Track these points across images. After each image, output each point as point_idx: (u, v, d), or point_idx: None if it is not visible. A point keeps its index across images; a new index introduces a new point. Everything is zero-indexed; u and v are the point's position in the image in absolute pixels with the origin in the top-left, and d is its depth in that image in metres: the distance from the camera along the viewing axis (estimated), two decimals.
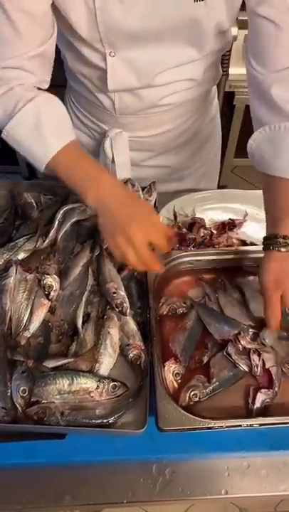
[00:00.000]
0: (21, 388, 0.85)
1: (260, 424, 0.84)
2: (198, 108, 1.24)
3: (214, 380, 0.90)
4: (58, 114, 0.96)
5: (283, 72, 0.92)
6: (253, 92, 0.98)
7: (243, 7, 0.95)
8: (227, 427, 0.83)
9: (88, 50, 1.00)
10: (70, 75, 1.20)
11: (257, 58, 0.94)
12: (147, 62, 1.00)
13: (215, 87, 1.31)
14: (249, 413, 0.88)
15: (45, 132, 0.92)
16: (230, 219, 1.18)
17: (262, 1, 0.87)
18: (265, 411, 0.88)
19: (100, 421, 0.84)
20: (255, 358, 0.92)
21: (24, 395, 0.85)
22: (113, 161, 1.25)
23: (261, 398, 0.89)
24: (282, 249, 0.88)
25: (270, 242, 0.90)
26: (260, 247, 0.96)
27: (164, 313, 1.00)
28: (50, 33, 0.94)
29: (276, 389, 0.89)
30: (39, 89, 0.98)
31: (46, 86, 1.00)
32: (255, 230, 1.17)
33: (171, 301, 1.02)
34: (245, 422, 0.84)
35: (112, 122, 1.20)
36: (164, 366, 0.91)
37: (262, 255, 1.05)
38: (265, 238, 0.92)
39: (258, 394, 0.89)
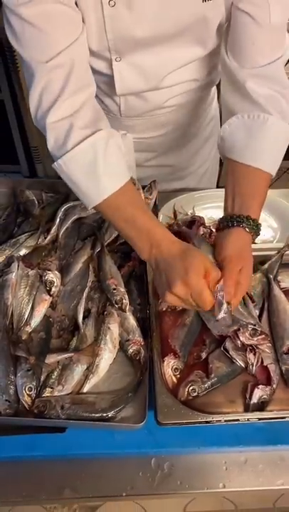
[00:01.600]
0: (27, 386, 0.86)
1: (258, 419, 0.85)
2: (200, 108, 1.26)
3: (212, 375, 0.91)
4: (115, 152, 0.90)
5: (257, 69, 0.94)
6: (227, 81, 1.00)
7: None
8: (225, 421, 0.84)
9: (95, 60, 1.00)
10: None
11: (234, 53, 0.96)
12: (154, 64, 1.01)
13: (214, 88, 1.33)
14: (246, 409, 0.89)
15: (101, 173, 0.87)
16: None
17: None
18: (261, 407, 0.89)
19: (100, 415, 0.85)
20: (251, 356, 0.92)
21: (30, 392, 0.86)
22: None
23: (258, 394, 0.89)
24: (247, 229, 0.91)
25: (240, 220, 0.92)
26: (258, 245, 0.97)
27: (164, 309, 1.01)
28: (81, 19, 0.90)
29: (274, 386, 0.90)
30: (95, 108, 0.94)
31: (93, 89, 0.94)
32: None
33: None
34: (243, 417, 0.85)
35: (116, 125, 1.21)
36: (164, 361, 0.92)
37: (261, 253, 1.07)
38: (232, 216, 0.93)
39: (256, 390, 0.90)
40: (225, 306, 0.84)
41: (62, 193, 1.19)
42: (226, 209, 0.97)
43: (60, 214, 1.12)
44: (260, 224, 0.93)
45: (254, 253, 1.05)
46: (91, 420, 0.85)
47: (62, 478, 0.88)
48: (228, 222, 0.93)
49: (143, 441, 0.90)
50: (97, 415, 0.85)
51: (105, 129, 0.90)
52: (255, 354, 0.93)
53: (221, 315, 0.84)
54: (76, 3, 0.88)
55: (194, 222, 1.17)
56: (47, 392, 0.88)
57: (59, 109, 0.87)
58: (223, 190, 1.31)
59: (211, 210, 1.23)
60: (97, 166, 0.87)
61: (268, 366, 0.92)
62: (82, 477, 0.88)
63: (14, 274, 0.97)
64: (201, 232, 1.15)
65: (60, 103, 0.86)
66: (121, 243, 1.12)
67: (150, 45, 0.97)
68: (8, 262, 1.00)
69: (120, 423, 0.87)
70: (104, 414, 0.86)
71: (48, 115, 0.87)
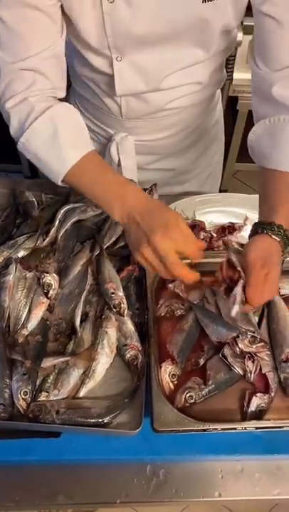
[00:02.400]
0: (23, 390, 0.85)
1: (256, 428, 0.84)
2: (203, 112, 1.25)
3: (210, 382, 0.90)
4: (75, 125, 0.95)
5: (285, 70, 0.92)
6: (255, 89, 0.99)
7: (248, 12, 0.96)
8: (222, 429, 0.83)
9: (95, 57, 1.00)
10: (75, 79, 1.20)
11: (260, 57, 0.94)
12: (155, 65, 1.01)
13: (219, 91, 1.32)
14: (244, 416, 0.88)
15: (62, 143, 0.90)
16: (230, 222, 1.19)
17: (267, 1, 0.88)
18: (259, 415, 0.88)
19: (95, 420, 0.84)
20: (249, 364, 0.91)
21: (26, 397, 0.85)
22: (119, 164, 1.26)
23: (256, 402, 0.88)
24: (273, 236, 0.89)
25: (264, 226, 0.90)
26: None
27: (162, 314, 1.00)
28: (61, 30, 0.93)
29: (272, 394, 0.89)
30: (56, 98, 0.97)
31: (63, 94, 0.98)
32: None
33: (169, 303, 1.01)
34: (239, 425, 0.85)
35: (117, 126, 1.20)
36: (161, 367, 0.91)
37: None
38: (258, 223, 0.92)
39: (254, 398, 0.89)
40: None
41: (62, 194, 1.18)
42: (259, 217, 0.95)
43: (59, 216, 1.11)
44: (287, 230, 0.90)
45: None
46: (86, 426, 0.84)
47: (56, 483, 0.87)
48: (255, 228, 0.92)
49: (139, 447, 0.89)
50: (93, 421, 0.84)
51: (63, 103, 0.94)
52: (253, 362, 0.92)
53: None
54: (62, 6, 0.89)
55: (195, 226, 1.16)
56: (42, 397, 0.87)
57: (18, 96, 0.92)
58: (224, 194, 1.32)
59: (211, 214, 1.22)
60: (58, 138, 0.90)
61: (267, 374, 0.91)
62: (77, 483, 0.88)
63: (12, 276, 0.96)
64: (202, 237, 1.14)
65: (22, 93, 0.92)
66: (120, 247, 1.11)
67: (150, 43, 0.96)
68: (6, 264, 0.99)
69: (116, 429, 0.86)
70: (100, 420, 0.85)
71: (8, 102, 0.92)
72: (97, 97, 1.14)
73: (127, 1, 0.88)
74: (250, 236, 0.93)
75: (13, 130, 0.94)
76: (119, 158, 1.24)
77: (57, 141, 0.90)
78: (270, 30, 0.90)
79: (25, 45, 0.89)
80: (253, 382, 0.91)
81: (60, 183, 0.93)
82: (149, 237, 0.82)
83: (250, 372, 0.91)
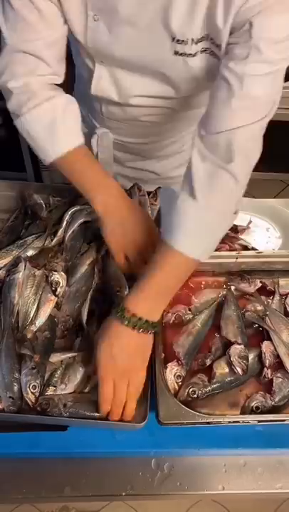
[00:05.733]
0: (31, 384, 0.87)
1: (258, 421, 0.86)
2: (187, 125, 1.23)
3: (214, 380, 0.92)
4: (73, 118, 0.99)
5: (210, 136, 0.85)
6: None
7: None
8: (225, 422, 0.85)
9: (84, 54, 1.03)
10: (76, 69, 1.22)
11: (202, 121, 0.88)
12: (129, 84, 1.03)
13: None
14: (243, 411, 0.90)
15: (59, 132, 0.95)
16: (233, 224, 1.21)
17: (226, 65, 0.81)
18: (256, 413, 0.89)
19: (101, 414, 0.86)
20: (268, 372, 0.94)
21: (34, 391, 0.87)
22: (97, 157, 1.29)
23: (257, 399, 0.90)
24: (126, 323, 0.83)
25: (117, 309, 0.85)
26: (263, 252, 0.98)
27: (171, 321, 1.01)
28: (64, 20, 0.93)
29: (275, 399, 0.91)
30: (55, 85, 1.00)
31: (60, 80, 1.01)
32: (262, 239, 1.22)
33: (175, 310, 1.03)
34: (243, 419, 0.87)
35: (101, 122, 1.23)
36: (166, 367, 0.93)
37: (264, 259, 1.09)
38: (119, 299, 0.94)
39: (254, 394, 0.91)
40: None
41: (69, 197, 1.22)
42: None
43: (66, 217, 1.14)
44: (135, 315, 0.83)
45: (257, 260, 1.09)
46: (93, 419, 0.86)
47: (63, 476, 0.89)
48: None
49: (144, 441, 0.91)
50: (99, 414, 0.86)
51: (66, 95, 0.99)
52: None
53: None
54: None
55: None
56: (50, 391, 0.89)
57: (21, 80, 0.94)
58: (248, 199, 1.33)
59: None
60: (56, 126, 0.95)
61: (273, 378, 0.93)
62: (83, 475, 0.89)
63: (21, 273, 0.99)
64: None
65: (24, 77, 0.94)
66: None
67: (125, 65, 0.99)
68: (16, 262, 1.02)
69: (121, 423, 0.87)
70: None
71: (10, 82, 0.94)
72: (86, 90, 1.14)
73: (109, 27, 0.91)
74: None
75: (11, 106, 0.97)
76: (97, 152, 1.28)
77: (54, 129, 0.95)
78: (221, 91, 0.82)
79: (32, 29, 0.91)
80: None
81: (47, 164, 0.98)
82: (136, 241, 0.91)
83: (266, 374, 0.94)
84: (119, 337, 0.84)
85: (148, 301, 0.85)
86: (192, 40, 0.86)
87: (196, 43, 0.87)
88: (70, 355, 0.93)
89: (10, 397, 0.86)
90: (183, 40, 0.87)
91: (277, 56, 0.78)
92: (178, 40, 0.87)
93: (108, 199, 0.97)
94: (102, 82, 1.05)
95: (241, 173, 0.85)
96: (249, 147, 0.85)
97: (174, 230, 0.85)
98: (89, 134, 1.29)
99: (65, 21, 0.93)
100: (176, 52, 0.90)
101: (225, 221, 0.92)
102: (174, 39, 0.88)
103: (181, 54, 0.89)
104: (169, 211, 0.90)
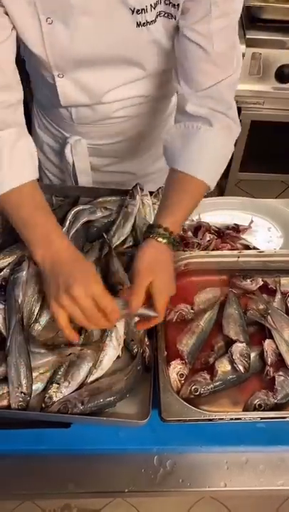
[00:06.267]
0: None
1: (260, 418, 0.87)
2: (156, 119, 1.26)
3: (217, 378, 0.93)
4: (23, 152, 0.95)
5: (201, 92, 0.97)
6: (177, 106, 1.04)
7: (250, 27, 1.00)
8: (227, 419, 0.86)
9: (40, 70, 1.03)
10: (33, 85, 1.25)
11: (183, 78, 0.98)
12: (95, 82, 1.04)
13: (175, 98, 1.26)
14: (245, 408, 0.91)
15: (4, 167, 0.91)
16: (235, 224, 1.22)
17: (191, 28, 0.92)
18: (258, 410, 0.90)
19: (120, 395, 0.89)
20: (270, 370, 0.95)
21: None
22: (74, 165, 1.30)
23: (258, 396, 0.91)
24: (159, 239, 0.91)
25: (151, 230, 0.93)
26: (265, 252, 0.99)
27: (173, 320, 1.02)
28: (9, 26, 0.91)
29: (278, 397, 0.91)
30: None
31: (19, 95, 0.97)
32: (263, 239, 1.23)
33: (178, 308, 1.04)
34: (245, 416, 0.87)
35: (71, 130, 1.23)
36: (170, 365, 0.93)
37: (266, 259, 1.10)
38: (148, 226, 0.96)
39: (257, 392, 0.92)
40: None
41: (72, 197, 1.23)
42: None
43: (69, 217, 1.15)
44: (172, 232, 0.92)
45: (259, 259, 1.10)
46: (114, 403, 0.88)
47: (66, 472, 0.90)
48: (144, 233, 0.95)
49: (146, 438, 0.92)
50: (118, 396, 0.88)
51: (18, 129, 0.95)
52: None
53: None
54: (8, 16, 0.89)
55: (200, 227, 1.20)
56: (53, 388, 0.90)
57: None
58: (229, 197, 1.35)
59: (216, 216, 1.26)
60: (1, 162, 0.90)
61: (276, 376, 0.94)
62: (86, 472, 0.90)
63: (25, 272, 1.00)
64: (207, 239, 1.18)
65: None
66: (128, 246, 1.15)
67: (89, 63, 0.99)
68: (19, 261, 1.03)
69: (124, 420, 0.88)
70: (122, 394, 0.89)
71: None
72: (50, 103, 1.17)
73: (65, 23, 0.91)
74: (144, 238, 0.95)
75: None
76: (73, 160, 1.28)
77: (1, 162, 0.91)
78: (193, 54, 0.94)
79: None
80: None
81: None
82: (69, 288, 0.83)
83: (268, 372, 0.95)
84: (163, 253, 0.92)
85: (178, 223, 0.95)
86: (150, 5, 0.90)
87: (154, 8, 0.90)
88: (71, 349, 0.93)
89: (22, 392, 0.87)
90: (142, 9, 0.90)
91: (232, 6, 0.90)
92: (138, 11, 0.90)
93: (48, 254, 0.89)
94: (69, 92, 1.06)
95: (236, 117, 1.00)
96: (232, 97, 1.00)
97: (196, 162, 0.96)
98: (60, 146, 1.30)
99: (12, 28, 0.92)
100: (138, 24, 0.92)
101: (228, 155, 1.02)
102: (133, 11, 0.90)
103: (143, 24, 0.92)
104: (185, 145, 0.98)
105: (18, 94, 0.97)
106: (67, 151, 1.26)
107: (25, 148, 0.96)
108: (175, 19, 0.92)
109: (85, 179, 1.33)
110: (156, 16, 0.92)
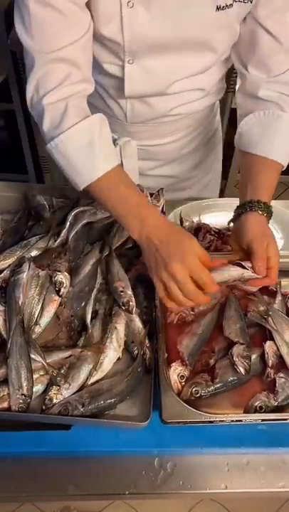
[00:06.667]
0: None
1: (261, 420, 0.87)
2: (204, 120, 1.30)
3: (217, 380, 0.92)
4: (108, 137, 0.97)
5: (273, 78, 1.04)
6: (242, 89, 1.10)
7: None
8: (228, 421, 0.86)
9: (107, 59, 1.04)
10: None
11: (253, 64, 1.05)
12: (164, 70, 1.05)
13: (218, 102, 1.36)
14: (246, 410, 0.90)
15: (97, 152, 0.92)
16: None
17: (268, 16, 0.97)
18: (260, 412, 0.89)
19: (120, 397, 0.89)
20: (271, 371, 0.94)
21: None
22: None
23: (259, 398, 0.91)
24: (260, 212, 0.98)
25: (253, 205, 0.98)
26: None
27: (174, 322, 1.02)
28: (89, 20, 0.94)
29: (279, 399, 0.91)
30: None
31: (91, 89, 1.00)
32: None
33: (179, 310, 1.03)
34: (245, 417, 0.87)
35: (121, 130, 1.24)
36: (170, 367, 0.93)
37: None
38: (244, 203, 1.00)
39: (258, 394, 0.92)
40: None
41: (72, 198, 1.23)
42: (240, 199, 1.03)
43: (70, 218, 1.15)
44: (271, 206, 1.00)
45: None
46: (114, 405, 0.89)
47: (66, 475, 0.90)
48: (242, 209, 0.99)
49: (147, 440, 0.91)
50: (118, 398, 0.89)
51: (99, 114, 0.96)
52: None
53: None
54: (88, 4, 0.91)
55: (200, 229, 1.20)
56: (54, 390, 0.90)
57: (56, 93, 0.92)
58: (229, 199, 1.35)
59: (216, 217, 1.26)
60: (94, 146, 0.92)
61: (276, 378, 0.94)
62: (86, 474, 0.90)
63: (25, 274, 1.00)
64: (207, 240, 1.18)
65: (58, 89, 0.92)
66: (128, 248, 1.15)
67: (163, 48, 1.01)
68: (20, 263, 1.03)
69: (125, 421, 0.88)
70: (123, 396, 0.89)
71: (45, 97, 0.92)
72: (103, 101, 1.17)
73: (146, 6, 0.93)
74: (237, 217, 1.00)
75: (45, 127, 0.95)
76: (121, 162, 1.28)
77: (92, 150, 0.92)
78: (266, 43, 1.00)
79: (60, 35, 0.90)
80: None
81: (81, 189, 0.96)
82: (167, 265, 0.85)
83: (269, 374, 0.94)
84: (266, 222, 0.99)
85: (270, 198, 1.02)
86: None
87: None
88: (71, 351, 0.94)
89: (22, 394, 0.87)
90: None
91: None
92: None
93: (144, 228, 0.91)
94: (135, 80, 1.06)
95: None
96: None
97: (275, 147, 1.04)
98: None
99: (91, 20, 0.93)
100: (218, 8, 0.94)
101: None
102: None
103: (222, 8, 0.94)
104: (265, 132, 1.05)
105: (91, 88, 1.00)
106: (117, 153, 1.26)
107: (109, 134, 0.98)
108: (251, 2, 0.96)
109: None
110: (234, 0, 0.95)
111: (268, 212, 0.99)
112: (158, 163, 1.35)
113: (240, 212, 1.00)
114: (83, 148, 0.93)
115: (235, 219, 1.02)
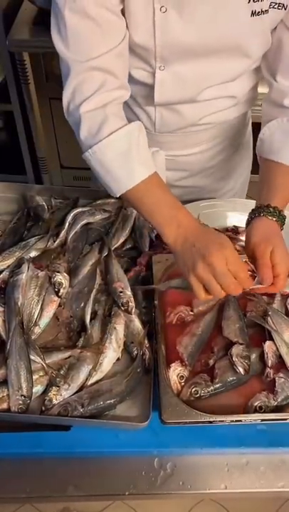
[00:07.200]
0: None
1: (261, 420, 0.87)
2: (235, 130, 1.27)
3: (217, 380, 0.92)
4: (145, 144, 0.97)
5: None
6: (269, 97, 1.10)
7: None
8: (228, 421, 0.86)
9: (137, 65, 1.03)
10: None
11: (282, 73, 1.05)
12: (195, 76, 1.04)
13: (250, 112, 1.34)
14: (246, 411, 0.90)
15: (134, 159, 0.93)
16: (234, 226, 1.22)
17: None
18: (259, 412, 0.89)
19: (120, 398, 0.89)
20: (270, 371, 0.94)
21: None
22: None
23: (259, 398, 0.91)
24: (269, 217, 0.96)
25: (261, 210, 0.97)
26: None
27: (173, 322, 1.02)
28: (125, 27, 0.94)
29: (278, 399, 0.91)
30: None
31: (127, 96, 1.00)
32: None
33: (178, 310, 1.04)
34: (245, 417, 0.87)
35: (149, 141, 1.21)
36: (170, 367, 0.93)
37: None
38: (255, 208, 0.99)
39: (257, 394, 0.92)
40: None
41: (71, 199, 1.23)
42: (255, 204, 1.02)
43: (69, 219, 1.15)
44: (282, 211, 0.97)
45: None
46: (114, 405, 0.89)
47: (66, 475, 0.89)
48: (253, 214, 0.98)
49: (146, 441, 0.91)
50: (118, 399, 0.89)
51: (137, 122, 0.96)
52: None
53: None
54: (123, 11, 0.91)
55: None
56: (53, 391, 0.90)
57: (92, 101, 0.92)
58: (228, 200, 1.35)
59: (216, 218, 1.26)
60: (131, 154, 0.93)
61: (276, 378, 0.94)
62: (86, 475, 0.90)
63: (24, 274, 1.00)
64: None
65: (94, 96, 0.92)
66: (127, 248, 1.15)
67: (196, 55, 0.99)
68: (19, 264, 1.03)
69: (124, 422, 0.88)
70: (122, 397, 0.89)
71: (82, 106, 0.92)
72: (131, 110, 1.16)
73: (179, 12, 0.92)
74: (248, 222, 0.98)
75: (83, 136, 0.95)
76: None
77: (129, 157, 0.93)
78: None
79: (96, 44, 0.90)
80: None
81: (117, 196, 0.96)
82: (205, 256, 0.83)
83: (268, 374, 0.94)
84: (275, 228, 0.96)
85: (284, 203, 0.99)
86: None
87: None
88: (70, 352, 0.94)
89: (22, 395, 0.87)
90: None
91: None
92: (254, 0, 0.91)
93: (179, 231, 0.90)
94: (166, 87, 1.05)
95: None
96: None
97: None
98: None
99: (126, 28, 0.93)
100: (252, 13, 0.93)
101: None
102: (249, 0, 0.91)
103: (257, 13, 0.93)
104: (287, 140, 1.04)
105: (127, 95, 1.00)
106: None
107: (146, 141, 0.98)
108: (285, 9, 0.95)
109: None
110: (269, 7, 0.94)
111: (279, 217, 0.96)
112: (186, 173, 1.33)
113: (251, 218, 0.98)
114: (121, 156, 0.93)
115: (247, 224, 0.99)
